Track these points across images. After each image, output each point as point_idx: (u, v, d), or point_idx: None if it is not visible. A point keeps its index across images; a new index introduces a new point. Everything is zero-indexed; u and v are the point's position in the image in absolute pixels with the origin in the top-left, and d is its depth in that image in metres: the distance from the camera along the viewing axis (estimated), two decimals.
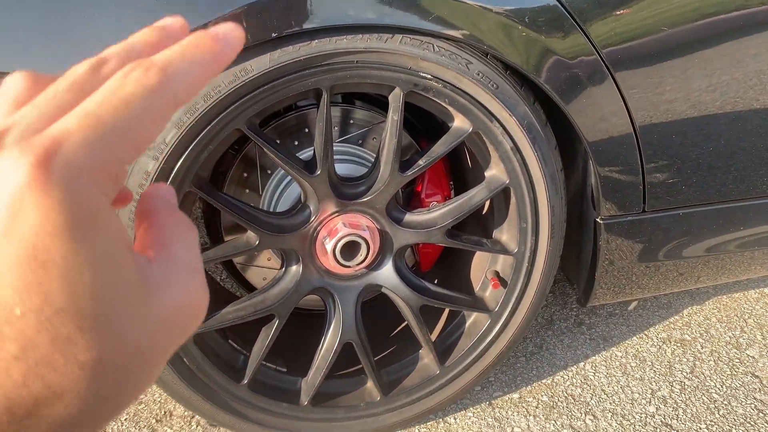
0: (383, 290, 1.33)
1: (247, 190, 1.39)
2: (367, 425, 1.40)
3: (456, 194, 1.50)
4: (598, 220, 1.34)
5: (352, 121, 1.41)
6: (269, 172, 1.37)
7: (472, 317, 1.42)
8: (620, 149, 1.26)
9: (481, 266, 1.44)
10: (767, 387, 1.58)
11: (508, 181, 1.24)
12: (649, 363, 1.67)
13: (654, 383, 1.60)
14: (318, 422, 1.36)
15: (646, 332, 1.79)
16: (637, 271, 1.45)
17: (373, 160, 1.36)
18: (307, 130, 1.37)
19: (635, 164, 1.28)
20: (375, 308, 1.59)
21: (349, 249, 1.23)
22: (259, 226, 1.17)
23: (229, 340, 1.33)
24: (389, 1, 1.03)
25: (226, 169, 1.41)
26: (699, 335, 1.78)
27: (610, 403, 1.54)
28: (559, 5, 1.11)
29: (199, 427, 1.46)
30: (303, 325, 1.52)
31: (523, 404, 1.54)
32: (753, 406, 1.53)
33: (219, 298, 1.50)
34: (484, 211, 1.46)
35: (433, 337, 1.45)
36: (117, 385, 0.24)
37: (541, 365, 1.67)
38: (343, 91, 1.19)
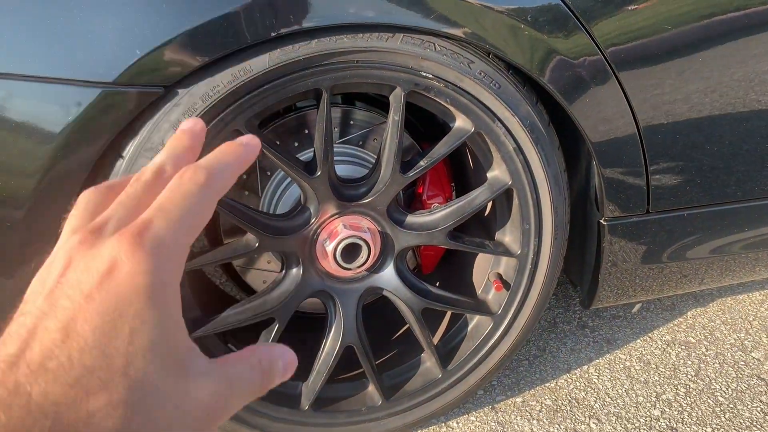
0: (384, 293, 1.32)
1: (247, 192, 1.37)
2: (369, 430, 1.38)
3: (457, 196, 1.49)
4: (601, 221, 1.33)
5: (352, 122, 1.39)
6: (269, 173, 1.35)
7: (475, 320, 1.40)
8: (624, 150, 1.24)
9: (484, 269, 1.42)
10: None
11: (510, 183, 1.23)
12: (654, 366, 1.65)
13: (659, 386, 1.58)
14: (319, 427, 1.34)
15: (650, 335, 1.77)
16: (640, 273, 1.44)
17: (373, 161, 1.35)
18: (306, 132, 1.36)
19: (639, 165, 1.27)
20: (376, 311, 1.57)
21: (350, 251, 1.21)
22: (258, 229, 1.15)
23: (229, 345, 1.32)
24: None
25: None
26: (703, 338, 1.76)
27: (614, 406, 1.52)
28: (562, 4, 1.09)
29: None
30: (303, 329, 1.51)
31: (527, 408, 1.52)
32: (759, 409, 1.51)
33: (218, 301, 1.48)
34: (486, 213, 1.45)
35: (435, 340, 1.43)
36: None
37: (544, 368, 1.65)
38: (344, 92, 1.17)
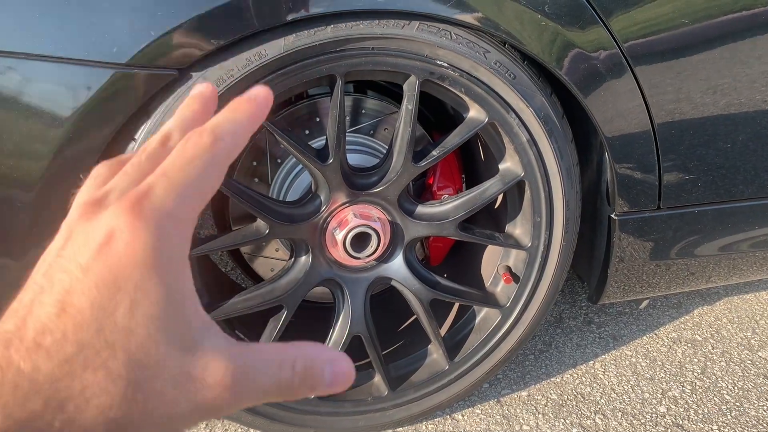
0: (393, 283, 1.31)
1: (257, 179, 1.37)
2: (374, 420, 1.38)
3: (467, 188, 1.48)
4: (612, 216, 1.32)
5: (363, 111, 1.39)
6: (279, 161, 1.34)
7: (483, 312, 1.40)
8: (637, 145, 1.24)
9: (493, 261, 1.41)
10: None
11: (523, 174, 1.22)
12: (660, 363, 1.65)
13: (665, 383, 1.58)
14: (324, 416, 1.34)
15: (656, 332, 1.76)
16: (649, 270, 1.43)
17: (384, 151, 1.34)
18: (318, 120, 1.35)
19: (652, 160, 1.26)
20: (384, 301, 1.57)
21: (360, 240, 1.21)
22: (269, 215, 1.15)
23: (236, 331, 1.31)
24: None
25: (236, 157, 1.39)
26: (710, 336, 1.75)
27: (620, 402, 1.52)
28: None
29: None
30: (311, 317, 1.50)
31: (532, 402, 1.52)
32: (766, 408, 1.50)
33: (225, 288, 1.48)
34: (497, 205, 1.44)
35: (443, 332, 1.43)
36: (140, 409, 0.27)
37: (550, 363, 1.65)
38: (358, 79, 1.16)
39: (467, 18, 1.05)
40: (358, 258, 1.23)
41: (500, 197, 1.39)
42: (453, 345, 1.40)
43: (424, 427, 1.45)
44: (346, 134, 1.29)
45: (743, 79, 1.23)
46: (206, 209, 2.16)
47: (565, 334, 1.75)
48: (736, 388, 1.56)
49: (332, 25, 1.01)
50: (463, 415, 1.48)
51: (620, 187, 1.27)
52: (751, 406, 1.51)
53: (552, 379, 1.59)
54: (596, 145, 1.29)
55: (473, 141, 1.42)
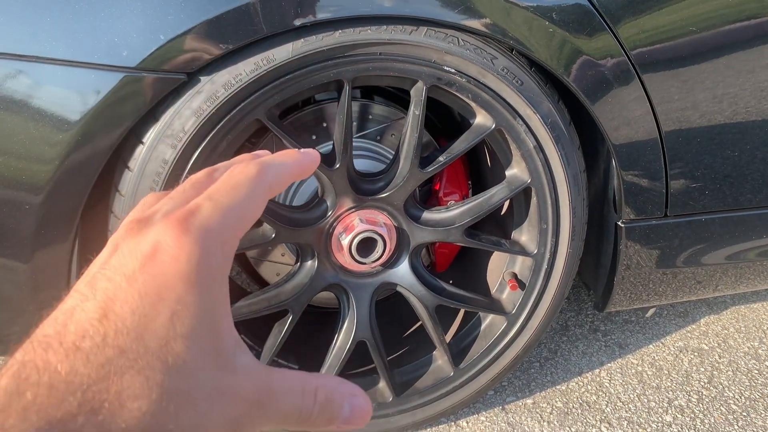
0: (398, 289, 1.31)
1: None
2: (378, 426, 1.38)
3: (474, 194, 1.48)
4: (619, 223, 1.32)
5: (370, 117, 1.39)
6: None
7: (488, 319, 1.39)
8: (645, 152, 1.23)
9: (499, 268, 1.41)
10: None
11: (529, 181, 1.22)
12: (666, 372, 1.64)
13: (671, 392, 1.57)
14: None
15: (662, 340, 1.75)
16: (655, 278, 1.42)
17: (390, 156, 1.34)
18: (325, 125, 1.35)
19: (659, 168, 1.26)
20: (389, 307, 1.57)
21: (365, 245, 1.21)
22: (275, 219, 1.15)
23: (242, 335, 1.31)
24: None
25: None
26: (717, 345, 1.74)
27: (625, 411, 1.51)
28: (588, 3, 1.08)
29: None
30: (316, 322, 1.50)
31: (537, 410, 1.51)
32: None
33: (231, 292, 1.48)
34: (503, 212, 1.44)
35: (448, 338, 1.42)
36: (172, 418, 0.27)
37: (555, 371, 1.64)
38: (365, 84, 1.16)
39: (475, 24, 1.05)
40: (364, 263, 1.23)
41: (507, 204, 1.39)
42: (458, 351, 1.40)
43: None
44: (353, 139, 1.29)
45: (751, 88, 1.22)
46: None
47: (571, 342, 1.74)
48: (743, 397, 1.55)
49: (340, 31, 1.01)
50: (467, 422, 1.47)
51: (627, 194, 1.27)
52: (758, 416, 1.49)
53: (557, 387, 1.58)
54: (603, 152, 1.29)
55: (480, 147, 1.42)
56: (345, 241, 1.19)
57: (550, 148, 1.19)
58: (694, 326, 1.82)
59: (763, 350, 1.72)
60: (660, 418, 1.49)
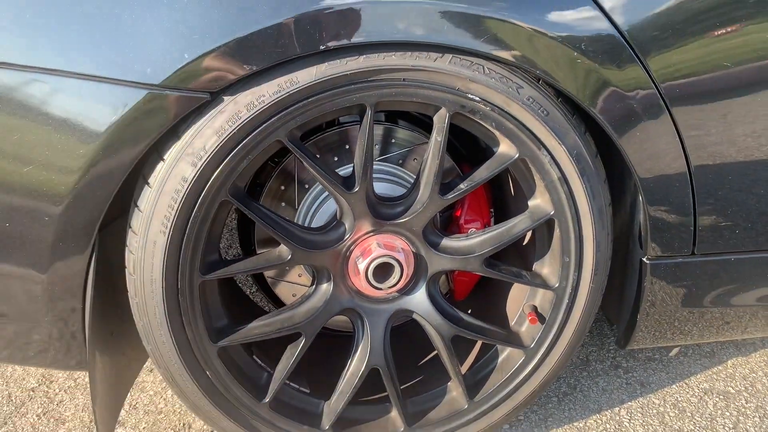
0: (414, 316, 1.29)
1: (284, 204, 1.37)
2: None
3: (496, 222, 1.46)
4: (644, 259, 1.28)
5: (393, 141, 1.38)
6: (307, 186, 1.34)
7: (506, 352, 1.36)
8: (673, 188, 1.20)
9: (519, 299, 1.38)
10: None
11: (552, 213, 1.19)
12: (689, 414, 1.58)
13: None
14: None
15: (686, 381, 1.70)
16: (681, 316, 1.38)
17: (412, 181, 1.33)
18: (347, 147, 1.35)
19: (687, 204, 1.22)
20: (404, 334, 1.54)
21: (382, 271, 1.19)
22: (292, 241, 1.14)
23: (254, 356, 1.30)
24: (441, 19, 1.00)
25: (264, 181, 1.40)
26: (744, 389, 1.68)
27: None
28: (618, 35, 1.06)
29: None
30: (329, 347, 1.48)
31: None
32: None
33: (247, 311, 1.47)
34: (525, 242, 1.41)
35: (464, 369, 1.39)
36: None
37: (573, 407, 1.59)
38: (388, 109, 1.16)
39: (501, 53, 1.04)
40: (380, 288, 1.21)
41: (529, 234, 1.36)
42: (474, 383, 1.37)
43: None
44: (374, 163, 1.28)
45: None
46: (233, 230, 2.18)
47: (591, 378, 1.70)
48: None
49: (365, 55, 1.01)
50: None
51: (653, 230, 1.24)
52: None
53: (575, 424, 1.54)
54: (630, 186, 1.26)
55: (504, 175, 1.40)
56: (362, 266, 1.18)
57: (575, 180, 1.16)
58: (720, 368, 1.76)
59: None
60: None
